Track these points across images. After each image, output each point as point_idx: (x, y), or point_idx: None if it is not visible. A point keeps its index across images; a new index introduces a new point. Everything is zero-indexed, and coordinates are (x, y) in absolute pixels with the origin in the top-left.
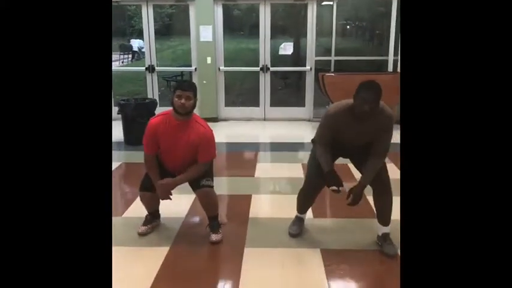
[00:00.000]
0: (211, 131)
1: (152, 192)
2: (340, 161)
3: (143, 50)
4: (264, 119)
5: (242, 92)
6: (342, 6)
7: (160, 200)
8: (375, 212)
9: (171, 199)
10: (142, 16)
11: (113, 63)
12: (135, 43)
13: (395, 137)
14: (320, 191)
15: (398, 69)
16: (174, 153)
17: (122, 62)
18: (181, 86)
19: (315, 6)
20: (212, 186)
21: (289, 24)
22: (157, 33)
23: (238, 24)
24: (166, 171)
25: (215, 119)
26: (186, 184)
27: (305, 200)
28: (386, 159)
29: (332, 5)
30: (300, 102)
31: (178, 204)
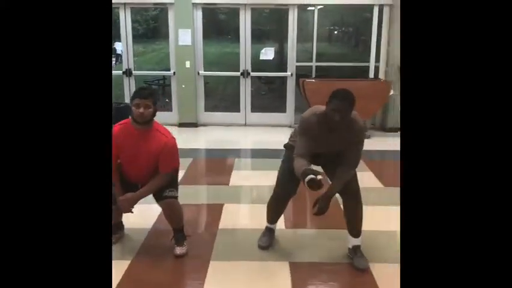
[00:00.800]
0: (174, 140)
1: (114, 204)
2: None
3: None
4: (245, 125)
5: (225, 97)
6: (328, 11)
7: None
8: (346, 223)
9: (132, 212)
10: (120, 19)
11: None
12: (119, 46)
13: (391, 145)
14: (291, 198)
15: (380, 76)
16: (136, 163)
17: None
18: (139, 94)
19: (295, 12)
20: (176, 197)
21: (273, 28)
22: (143, 36)
23: (225, 28)
24: (130, 182)
25: (194, 124)
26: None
27: (276, 209)
28: (364, 168)
29: (320, 10)
30: (282, 108)
31: (145, 215)
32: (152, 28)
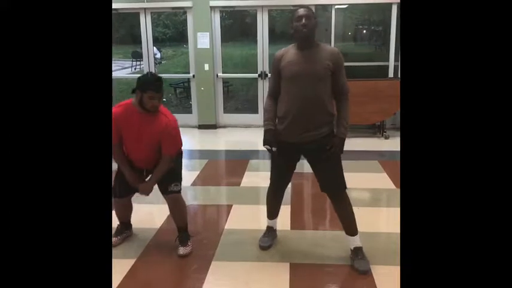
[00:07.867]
0: (175, 120)
1: (124, 198)
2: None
3: (157, 56)
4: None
5: (248, 99)
6: (355, 10)
7: (133, 209)
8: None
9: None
10: (141, 23)
11: (125, 70)
12: (155, 50)
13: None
14: (287, 186)
15: (399, 75)
16: (138, 145)
17: (135, 69)
18: (154, 87)
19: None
20: (179, 191)
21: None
22: (173, 39)
23: (243, 30)
24: (133, 166)
25: (213, 126)
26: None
27: (273, 199)
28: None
29: (346, 9)
30: None
31: (154, 215)
32: (181, 31)
